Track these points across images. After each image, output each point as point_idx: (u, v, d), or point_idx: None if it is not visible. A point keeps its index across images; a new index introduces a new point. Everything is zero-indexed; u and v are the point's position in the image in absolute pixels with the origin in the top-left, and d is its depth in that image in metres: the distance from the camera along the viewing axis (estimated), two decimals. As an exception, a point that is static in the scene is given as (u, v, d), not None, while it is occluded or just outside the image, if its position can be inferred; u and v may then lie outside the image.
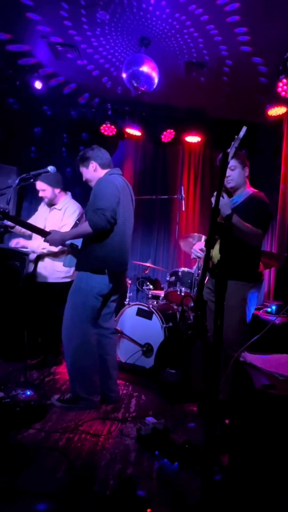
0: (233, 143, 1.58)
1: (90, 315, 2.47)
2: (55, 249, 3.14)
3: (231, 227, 2.14)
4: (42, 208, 3.43)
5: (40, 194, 3.23)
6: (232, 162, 2.50)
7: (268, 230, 4.47)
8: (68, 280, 3.23)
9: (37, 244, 3.18)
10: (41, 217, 3.34)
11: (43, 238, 2.57)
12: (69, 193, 3.38)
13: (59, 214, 3.24)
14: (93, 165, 2.61)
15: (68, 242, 2.64)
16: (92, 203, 2.42)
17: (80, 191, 3.97)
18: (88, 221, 2.38)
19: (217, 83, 4.19)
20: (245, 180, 2.55)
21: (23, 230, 3.22)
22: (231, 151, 1.56)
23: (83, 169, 2.66)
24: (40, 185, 3.16)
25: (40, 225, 3.09)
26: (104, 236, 2.45)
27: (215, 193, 2.25)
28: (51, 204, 3.31)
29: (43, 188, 3.19)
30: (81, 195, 3.70)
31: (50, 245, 2.60)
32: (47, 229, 2.70)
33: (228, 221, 1.90)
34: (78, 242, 2.59)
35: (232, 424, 1.81)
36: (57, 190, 3.24)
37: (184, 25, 3.37)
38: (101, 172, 2.62)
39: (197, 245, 2.87)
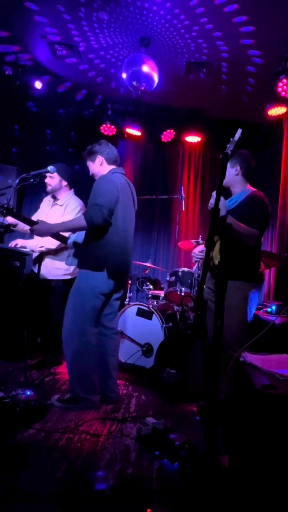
0: (228, 145, 1.58)
1: (91, 314, 2.47)
2: (53, 246, 3.15)
3: (231, 228, 2.15)
4: (44, 203, 3.46)
5: (47, 180, 3.26)
6: None
7: (267, 229, 4.50)
8: (68, 277, 3.24)
9: (35, 243, 3.19)
10: (43, 213, 3.36)
11: (29, 228, 2.59)
12: (72, 190, 3.41)
13: (60, 210, 3.26)
14: (99, 159, 2.64)
15: (71, 240, 2.65)
16: (91, 198, 2.43)
17: (84, 189, 3.99)
18: (84, 215, 2.39)
19: (217, 83, 4.19)
20: (236, 179, 2.52)
21: (26, 228, 3.24)
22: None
23: (89, 163, 2.68)
24: None
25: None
26: (104, 234, 2.45)
27: (213, 193, 2.27)
28: (53, 195, 3.34)
29: (52, 176, 3.22)
30: (85, 194, 3.73)
31: (36, 235, 2.62)
32: None
33: (223, 222, 1.90)
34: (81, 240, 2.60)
35: (232, 424, 1.81)
36: (64, 183, 3.29)
37: (184, 24, 3.37)
38: (107, 168, 2.64)
39: (197, 248, 2.88)
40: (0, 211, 2.51)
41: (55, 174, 3.21)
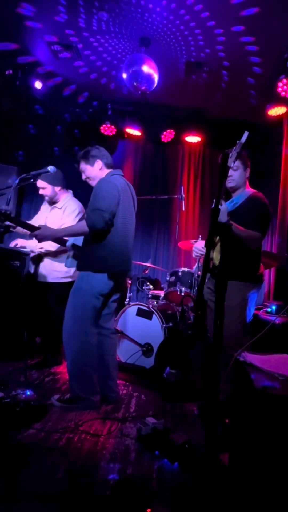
0: (234, 148, 1.58)
1: (91, 315, 2.47)
2: (52, 248, 3.15)
3: (231, 228, 2.14)
4: (44, 206, 3.45)
5: (41, 192, 3.25)
6: (236, 162, 2.49)
7: (268, 230, 4.50)
8: (68, 280, 3.23)
9: (35, 244, 3.18)
10: (43, 216, 3.35)
11: (30, 233, 2.58)
12: (70, 191, 3.39)
13: (59, 213, 3.25)
14: (99, 164, 2.63)
15: (70, 242, 2.65)
16: (92, 202, 2.43)
17: (82, 190, 3.98)
18: (86, 220, 2.39)
19: (217, 83, 4.19)
20: (245, 181, 2.56)
21: (25, 230, 3.24)
22: (232, 156, 1.56)
23: (87, 167, 2.65)
24: (40, 183, 3.18)
25: (41, 224, 3.10)
26: (105, 236, 2.45)
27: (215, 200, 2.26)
28: (52, 202, 3.32)
29: (43, 186, 3.20)
30: (82, 195, 3.71)
31: (39, 241, 2.62)
32: None
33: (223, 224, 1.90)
34: (80, 243, 2.60)
35: (232, 424, 1.81)
36: (57, 188, 3.25)
37: (187, 25, 3.36)
38: (105, 172, 2.64)
39: (198, 244, 2.85)
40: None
41: (46, 184, 3.18)
